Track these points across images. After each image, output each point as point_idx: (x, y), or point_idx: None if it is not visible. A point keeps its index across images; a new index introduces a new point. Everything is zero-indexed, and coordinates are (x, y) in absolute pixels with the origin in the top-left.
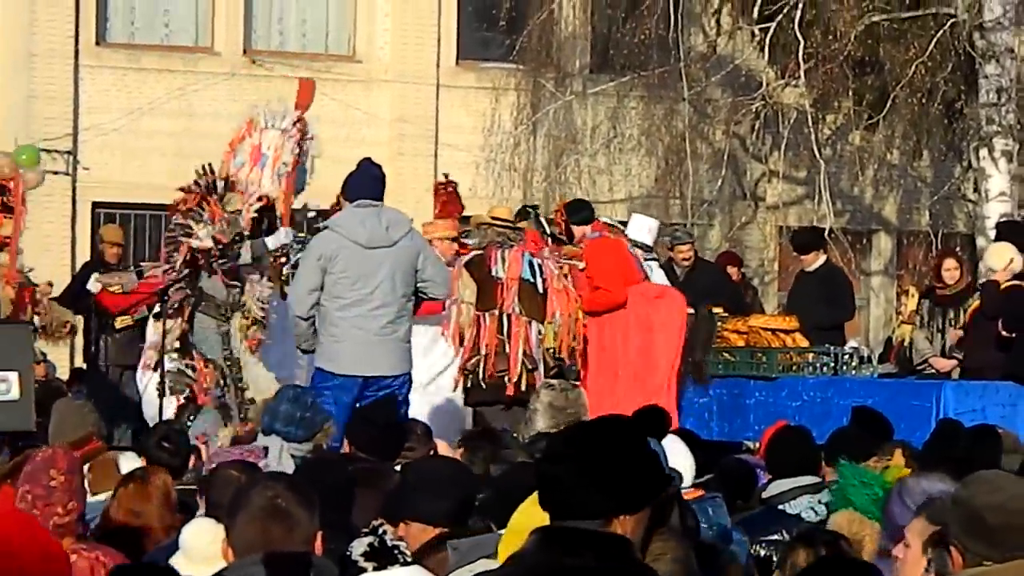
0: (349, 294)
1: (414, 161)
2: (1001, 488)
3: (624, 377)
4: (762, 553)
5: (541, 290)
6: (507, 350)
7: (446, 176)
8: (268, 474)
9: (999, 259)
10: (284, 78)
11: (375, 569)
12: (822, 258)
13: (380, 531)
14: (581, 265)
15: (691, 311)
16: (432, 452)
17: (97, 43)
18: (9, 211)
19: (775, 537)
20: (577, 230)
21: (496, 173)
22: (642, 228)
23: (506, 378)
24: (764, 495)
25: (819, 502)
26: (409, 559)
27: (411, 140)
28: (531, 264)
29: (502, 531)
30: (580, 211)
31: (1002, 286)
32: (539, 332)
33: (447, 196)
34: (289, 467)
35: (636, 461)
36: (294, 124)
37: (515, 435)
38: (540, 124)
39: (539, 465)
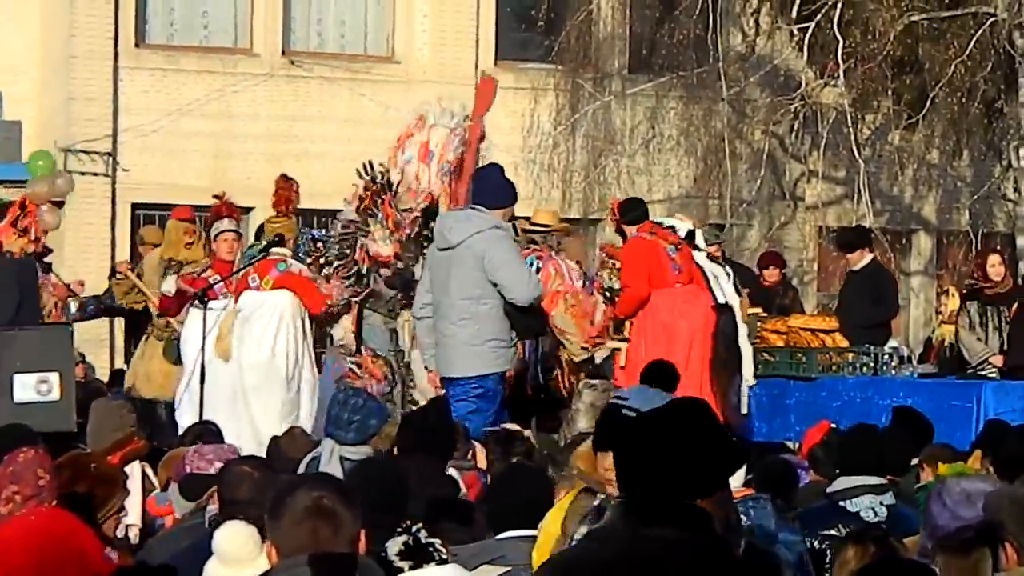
0: (432, 294)
1: None
2: None
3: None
4: (817, 546)
5: None
6: None
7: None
8: (308, 475)
9: None
10: (323, 79)
11: (411, 568)
12: (868, 257)
13: (414, 529)
14: (618, 265)
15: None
16: (471, 453)
17: (136, 45)
18: (23, 232)
19: (832, 532)
20: (627, 230)
21: (535, 174)
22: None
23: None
24: (828, 490)
25: (881, 503)
26: (444, 557)
27: None
28: (531, 265)
29: (501, 536)
30: (630, 211)
31: None
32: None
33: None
34: (336, 470)
35: (714, 445)
36: (465, 122)
37: (555, 436)
38: (579, 125)
39: (616, 452)
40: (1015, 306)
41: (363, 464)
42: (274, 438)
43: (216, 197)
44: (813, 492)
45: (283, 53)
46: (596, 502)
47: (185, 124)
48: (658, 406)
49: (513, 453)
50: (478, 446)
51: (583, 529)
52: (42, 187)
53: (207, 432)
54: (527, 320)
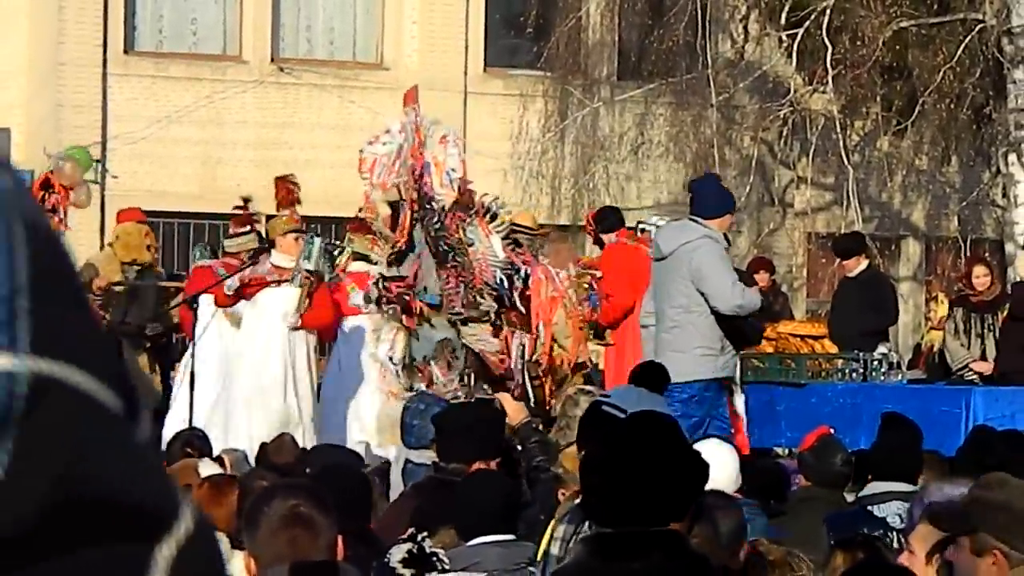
0: (654, 303)
1: None
2: None
3: None
4: None
5: (512, 299)
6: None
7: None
8: (282, 483)
9: None
10: (312, 86)
11: None
12: (864, 263)
13: (418, 538)
14: (598, 274)
15: None
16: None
17: (125, 52)
18: (51, 211)
19: None
20: (604, 238)
21: (524, 180)
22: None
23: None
24: (859, 494)
25: (908, 510)
26: (447, 567)
27: None
28: (518, 271)
29: (474, 542)
30: (604, 219)
31: None
32: (521, 344)
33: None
34: (396, 472)
35: (684, 464)
36: (421, 127)
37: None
38: (568, 131)
39: (584, 476)
40: (1004, 313)
41: (328, 468)
42: (263, 445)
43: (245, 200)
44: (803, 497)
45: (272, 60)
46: (577, 501)
47: (174, 131)
48: (624, 420)
49: (506, 463)
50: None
51: (561, 529)
52: (73, 169)
53: (194, 437)
54: (740, 329)
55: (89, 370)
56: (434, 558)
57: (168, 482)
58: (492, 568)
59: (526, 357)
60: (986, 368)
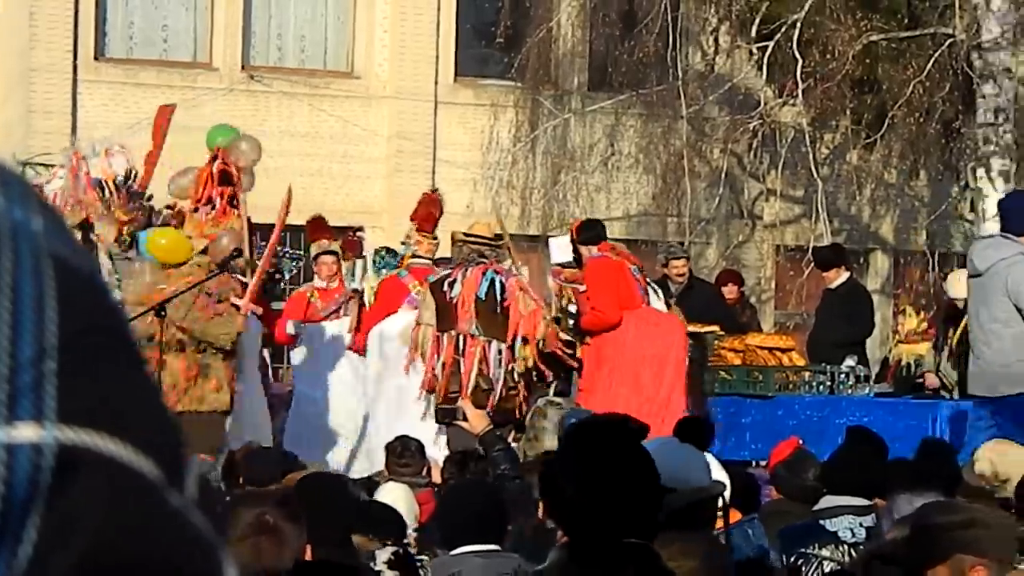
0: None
1: (412, 178)
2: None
3: (623, 398)
4: (794, 561)
5: (499, 309)
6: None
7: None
8: (252, 492)
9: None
10: (282, 94)
11: None
12: (844, 275)
13: (404, 542)
14: (582, 288)
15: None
16: (427, 470)
17: (95, 58)
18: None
19: (808, 550)
20: (583, 250)
21: (494, 190)
22: (562, 249)
23: (459, 400)
24: (814, 508)
25: (860, 524)
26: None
27: (409, 157)
28: (492, 282)
29: (456, 552)
30: (586, 231)
31: None
32: (499, 352)
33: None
34: None
35: (637, 471)
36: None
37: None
38: (538, 141)
39: (564, 493)
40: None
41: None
42: (230, 452)
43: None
44: (774, 510)
45: (243, 68)
46: None
47: (144, 138)
48: (573, 429)
49: (468, 472)
50: (434, 463)
51: None
52: (250, 146)
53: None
54: None
55: (123, 436)
56: (417, 564)
57: (209, 547)
58: None
59: (503, 367)
60: (933, 382)
